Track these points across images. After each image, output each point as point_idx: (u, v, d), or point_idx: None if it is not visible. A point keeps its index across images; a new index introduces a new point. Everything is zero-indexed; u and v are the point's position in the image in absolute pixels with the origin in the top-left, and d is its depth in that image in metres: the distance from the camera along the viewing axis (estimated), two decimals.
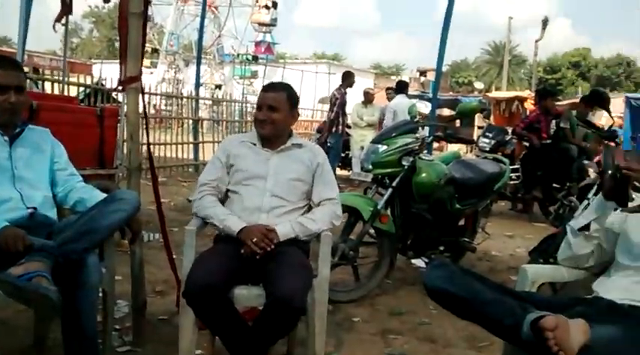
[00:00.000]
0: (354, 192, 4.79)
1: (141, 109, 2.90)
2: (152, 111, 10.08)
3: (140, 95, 2.86)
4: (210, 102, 13.62)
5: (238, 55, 34.66)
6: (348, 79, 9.45)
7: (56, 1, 4.58)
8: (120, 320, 3.05)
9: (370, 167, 3.94)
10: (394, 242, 3.85)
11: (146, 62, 22.95)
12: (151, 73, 28.21)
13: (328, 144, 9.17)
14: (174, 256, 3.06)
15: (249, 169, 2.66)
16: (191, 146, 10.36)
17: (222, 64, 34.24)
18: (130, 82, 2.81)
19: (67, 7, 4.66)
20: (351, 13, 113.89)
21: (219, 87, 28.92)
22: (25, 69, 3.69)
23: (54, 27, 4.99)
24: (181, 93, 11.85)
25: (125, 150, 4.78)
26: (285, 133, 2.74)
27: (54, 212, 2.48)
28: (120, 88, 2.97)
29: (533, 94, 12.89)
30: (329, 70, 31.82)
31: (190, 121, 10.81)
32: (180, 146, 10.09)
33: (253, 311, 2.58)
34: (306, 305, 2.32)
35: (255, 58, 34.38)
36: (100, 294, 2.37)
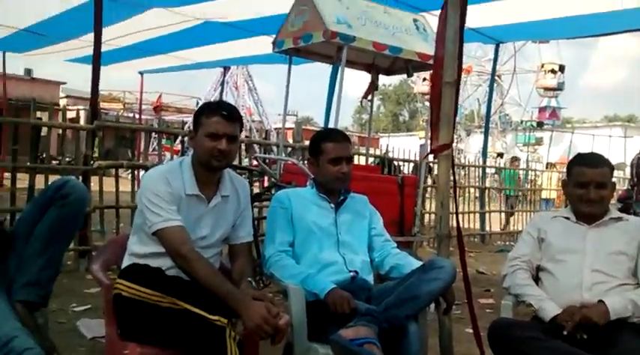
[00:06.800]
0: None
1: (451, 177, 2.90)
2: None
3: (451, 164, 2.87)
4: (494, 170, 13.41)
5: (522, 121, 33.72)
6: None
7: (351, 86, 5.00)
8: None
9: None
10: None
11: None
12: None
13: (634, 214, 8.06)
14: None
15: (563, 244, 2.47)
16: (477, 215, 10.18)
17: (504, 132, 33.67)
18: (442, 149, 2.84)
19: (373, 85, 5.09)
20: None
21: (500, 155, 28.34)
22: None
23: (361, 102, 5.56)
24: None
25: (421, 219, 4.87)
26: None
27: (371, 276, 2.60)
28: (431, 155, 3.02)
29: None
30: (624, 133, 28.89)
31: (476, 190, 10.66)
32: (466, 215, 10.00)
33: None
34: None
35: (540, 124, 32.98)
36: None
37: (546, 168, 15.13)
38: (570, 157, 2.92)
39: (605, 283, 2.34)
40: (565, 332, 2.16)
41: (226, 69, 17.74)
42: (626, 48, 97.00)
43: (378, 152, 9.43)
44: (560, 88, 33.97)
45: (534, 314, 2.43)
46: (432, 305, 2.49)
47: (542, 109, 34.23)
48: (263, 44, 7.51)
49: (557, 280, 2.43)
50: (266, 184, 6.10)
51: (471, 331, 2.91)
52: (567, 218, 2.56)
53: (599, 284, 2.34)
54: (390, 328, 2.13)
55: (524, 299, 2.41)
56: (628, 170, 10.74)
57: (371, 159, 8.42)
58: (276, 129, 23.64)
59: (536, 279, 2.53)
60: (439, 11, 2.96)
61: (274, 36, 4.75)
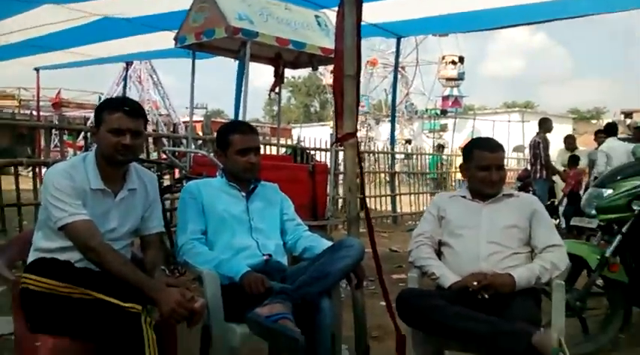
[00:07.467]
0: (577, 240, 4.43)
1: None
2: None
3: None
4: (403, 156, 14.02)
5: (427, 110, 35.02)
6: (544, 124, 9.00)
7: (260, 79, 5.05)
8: None
9: (594, 212, 3.64)
10: (628, 292, 3.47)
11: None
12: None
13: (532, 192, 8.67)
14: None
15: (461, 220, 2.67)
16: (389, 198, 10.56)
17: (411, 120, 34.86)
18: (347, 138, 2.95)
19: (279, 78, 5.17)
20: (539, 61, 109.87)
21: (408, 142, 29.33)
22: None
23: (269, 95, 5.59)
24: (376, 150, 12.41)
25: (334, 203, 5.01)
26: None
27: (285, 259, 2.69)
28: (338, 143, 3.13)
29: None
30: (522, 118, 30.66)
31: (387, 175, 11.03)
32: (378, 199, 10.37)
33: None
34: None
35: (444, 112, 34.39)
36: None
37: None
38: None
39: (499, 253, 2.55)
40: (471, 289, 2.36)
41: (129, 63, 17.15)
42: (522, 40, 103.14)
43: (290, 142, 9.55)
44: (460, 77, 35.48)
45: (437, 285, 2.61)
46: (346, 282, 2.61)
47: (445, 98, 35.60)
48: (165, 39, 7.37)
49: (457, 252, 2.62)
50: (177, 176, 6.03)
51: (384, 304, 3.06)
52: (464, 196, 2.77)
53: (494, 255, 2.55)
54: (303, 304, 2.23)
55: (427, 270, 2.60)
56: (527, 152, 11.54)
57: (283, 150, 8.51)
58: (184, 122, 23.18)
59: (439, 253, 2.72)
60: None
61: (176, 31, 4.69)
